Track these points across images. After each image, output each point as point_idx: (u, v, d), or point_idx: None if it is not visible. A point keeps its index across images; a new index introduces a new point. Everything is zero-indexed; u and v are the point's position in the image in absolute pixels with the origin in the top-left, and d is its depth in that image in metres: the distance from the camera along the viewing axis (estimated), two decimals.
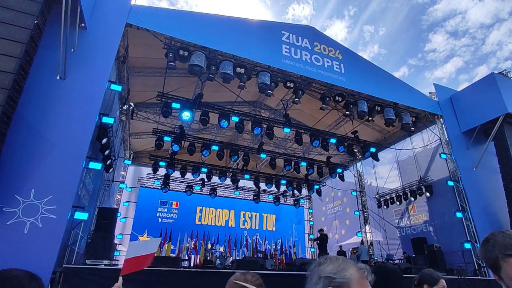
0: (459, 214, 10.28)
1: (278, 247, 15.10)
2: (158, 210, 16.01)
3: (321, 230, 13.23)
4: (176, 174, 14.66)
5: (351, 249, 14.05)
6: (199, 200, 16.74)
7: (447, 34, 55.83)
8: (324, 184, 17.42)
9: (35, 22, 5.38)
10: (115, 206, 13.48)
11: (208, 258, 11.18)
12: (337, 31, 59.97)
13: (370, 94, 10.57)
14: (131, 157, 15.22)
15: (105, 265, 6.76)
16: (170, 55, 8.33)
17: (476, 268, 9.53)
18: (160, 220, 15.76)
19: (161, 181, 15.05)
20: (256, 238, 16.81)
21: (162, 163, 13.83)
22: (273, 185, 15.88)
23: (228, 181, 15.73)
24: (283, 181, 16.35)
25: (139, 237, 14.85)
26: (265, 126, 11.15)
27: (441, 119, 11.72)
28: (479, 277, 9.08)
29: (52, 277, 5.32)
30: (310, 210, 20.01)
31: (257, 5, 58.56)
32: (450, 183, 10.77)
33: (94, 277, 5.82)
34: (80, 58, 6.55)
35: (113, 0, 7.56)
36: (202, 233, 14.43)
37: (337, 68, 10.29)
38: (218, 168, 14.95)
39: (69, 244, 6.74)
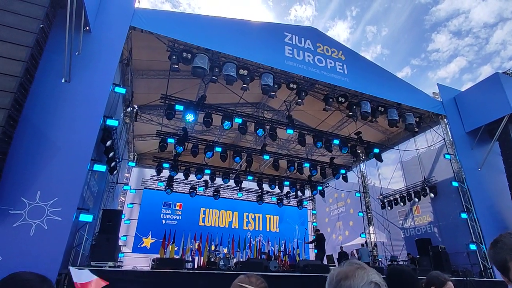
0: (464, 215, 10.20)
1: (282, 249, 15.08)
2: (162, 211, 16.06)
3: (317, 230, 13.17)
4: (180, 175, 14.72)
5: (354, 250, 13.99)
6: (202, 202, 16.77)
7: (450, 34, 55.52)
8: (327, 185, 17.37)
9: (41, 26, 5.45)
10: (119, 208, 13.56)
11: (212, 259, 11.19)
12: (340, 31, 59.88)
13: (373, 94, 10.55)
14: (135, 159, 15.31)
15: (109, 266, 6.79)
16: (174, 57, 8.38)
17: (482, 269, 9.44)
18: (164, 221, 15.81)
19: (164, 182, 15.11)
20: (260, 240, 16.81)
21: (165, 165, 13.89)
22: (276, 186, 15.86)
23: (231, 182, 15.75)
24: (286, 182, 16.34)
25: (143, 239, 14.92)
26: (268, 127, 11.16)
27: (445, 119, 11.65)
28: (485, 279, 8.99)
29: (58, 278, 5.36)
30: (314, 211, 19.96)
31: (259, 6, 58.70)
32: (455, 183, 10.69)
33: None
34: (85, 61, 6.62)
35: (117, 3, 7.63)
36: (205, 234, 14.46)
37: (340, 69, 10.28)
38: (221, 170, 14.97)
39: (74, 246, 6.78)
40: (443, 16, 55.19)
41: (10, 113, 4.87)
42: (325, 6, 60.77)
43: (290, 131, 11.52)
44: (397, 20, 58.70)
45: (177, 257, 12.60)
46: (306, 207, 19.44)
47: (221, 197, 16.57)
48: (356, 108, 10.59)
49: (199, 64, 8.27)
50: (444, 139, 11.64)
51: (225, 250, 13.86)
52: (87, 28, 6.79)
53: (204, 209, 17.02)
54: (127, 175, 14.68)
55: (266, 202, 17.47)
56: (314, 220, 19.74)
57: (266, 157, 13.75)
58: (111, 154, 8.40)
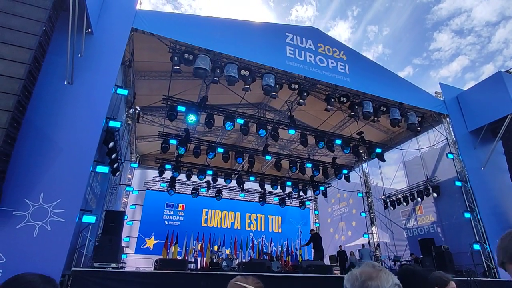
0: (467, 215, 10.14)
1: (284, 249, 15.05)
2: (165, 212, 16.09)
3: (311, 230, 13.13)
4: (182, 176, 14.74)
5: (354, 250, 13.94)
6: (205, 203, 16.78)
7: (452, 32, 55.27)
8: (329, 185, 17.34)
9: (43, 28, 5.48)
10: (122, 209, 13.59)
11: (215, 260, 11.20)
12: (341, 31, 59.78)
13: (375, 94, 10.52)
14: (138, 160, 15.35)
15: (112, 268, 6.80)
16: (175, 58, 8.40)
17: (486, 269, 9.38)
18: (166, 222, 15.83)
19: (167, 183, 15.14)
20: (262, 240, 16.78)
21: (168, 166, 13.91)
22: (279, 187, 15.85)
23: (233, 183, 15.77)
24: (289, 183, 16.33)
25: (146, 240, 14.95)
26: (270, 128, 11.15)
27: (448, 119, 11.60)
28: (489, 279, 8.94)
29: (61, 280, 5.38)
30: (316, 212, 19.92)
31: (260, 7, 58.73)
32: (458, 183, 10.63)
33: (102, 280, 5.87)
34: (87, 63, 6.65)
35: (118, 5, 7.67)
36: (208, 235, 14.46)
37: (341, 69, 10.27)
38: (223, 170, 14.98)
39: (77, 247, 6.81)
40: (445, 15, 54.99)
41: (13, 115, 4.90)
42: (326, 6, 60.73)
43: (292, 132, 11.51)
44: (398, 20, 58.55)
45: (180, 258, 12.61)
46: (309, 208, 19.40)
47: (223, 198, 16.58)
48: (358, 108, 10.56)
49: (201, 65, 8.29)
50: (446, 138, 11.59)
51: (228, 251, 13.86)
52: (89, 30, 6.83)
53: (207, 210, 17.04)
54: (129, 176, 14.73)
55: (268, 203, 17.46)
56: (317, 221, 19.70)
57: (268, 157, 13.75)
58: (113, 156, 8.42)
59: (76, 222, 5.70)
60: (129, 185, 14.35)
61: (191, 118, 9.89)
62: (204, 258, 12.89)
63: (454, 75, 55.23)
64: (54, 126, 5.97)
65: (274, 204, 17.90)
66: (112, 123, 7.42)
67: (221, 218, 17.26)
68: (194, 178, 14.85)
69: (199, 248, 13.63)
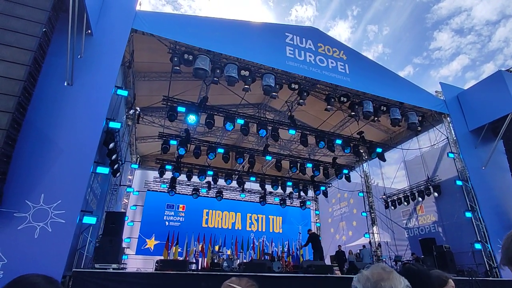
0: (468, 214, 10.12)
1: (285, 249, 15.04)
2: (165, 213, 16.09)
3: (309, 230, 13.14)
4: (183, 177, 14.74)
5: (354, 249, 13.94)
6: (205, 203, 16.78)
7: (452, 31, 55.21)
8: (330, 185, 17.33)
9: (43, 30, 5.49)
10: (122, 210, 13.60)
11: (215, 261, 11.19)
12: (341, 31, 59.76)
13: (375, 94, 10.51)
14: (138, 161, 15.36)
15: (113, 269, 6.80)
16: (175, 59, 8.40)
17: (488, 269, 9.36)
18: (167, 223, 15.83)
19: (167, 184, 15.14)
20: (263, 241, 16.77)
21: (168, 167, 13.91)
22: (279, 187, 15.84)
23: (234, 183, 15.76)
24: (289, 183, 16.32)
25: (147, 240, 14.95)
26: (270, 128, 11.15)
27: (448, 118, 11.59)
28: (491, 278, 8.92)
29: (62, 281, 5.38)
30: (317, 212, 19.91)
31: (259, 7, 58.75)
32: (459, 182, 10.62)
33: (103, 281, 5.87)
34: (87, 64, 6.66)
35: (118, 6, 7.68)
36: (209, 236, 14.47)
37: (341, 68, 10.26)
38: (224, 171, 14.98)
39: (78, 248, 6.81)
40: (445, 14, 54.95)
41: (14, 116, 4.91)
42: (326, 6, 60.73)
43: (292, 132, 11.51)
44: (398, 19, 58.53)
45: (181, 258, 12.62)
46: (309, 208, 19.38)
47: (224, 198, 16.58)
48: (358, 107, 10.56)
49: (201, 66, 8.29)
50: (447, 137, 11.58)
51: (229, 252, 13.84)
52: (89, 31, 6.83)
53: (207, 210, 17.04)
54: (130, 177, 14.73)
55: (269, 203, 17.45)
56: (317, 221, 19.69)
57: (268, 157, 13.74)
58: (114, 157, 8.43)
59: (76, 223, 5.71)
60: (130, 186, 14.35)
61: (191, 118, 9.88)
62: (205, 259, 12.89)
63: (454, 74, 55.20)
64: (54, 127, 5.97)
65: (274, 204, 17.89)
66: (112, 124, 7.42)
67: (221, 219, 17.25)
68: (195, 178, 14.85)
69: (200, 248, 13.63)
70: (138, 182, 15.62)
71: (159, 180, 15.41)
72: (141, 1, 8.31)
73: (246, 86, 9.41)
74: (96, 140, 6.37)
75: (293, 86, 9.76)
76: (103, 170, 7.29)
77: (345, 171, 14.62)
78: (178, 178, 14.89)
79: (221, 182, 15.54)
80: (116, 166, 9.07)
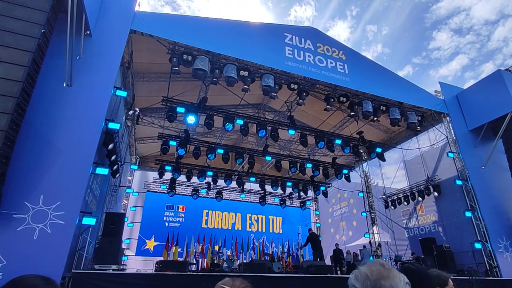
0: (468, 214, 10.13)
1: (285, 250, 15.02)
2: (165, 214, 16.07)
3: (309, 230, 13.13)
4: (182, 178, 14.73)
5: (357, 250, 13.92)
6: (205, 204, 16.77)
7: (451, 31, 55.31)
8: (330, 185, 17.32)
9: (42, 31, 5.48)
10: (122, 211, 13.58)
11: (215, 261, 11.17)
12: (340, 31, 59.86)
13: (374, 94, 10.51)
14: (137, 162, 15.34)
15: (113, 270, 6.79)
16: (174, 59, 8.39)
17: (488, 268, 9.35)
18: (167, 224, 15.82)
19: (167, 185, 15.13)
20: (263, 241, 16.77)
21: (168, 168, 13.90)
22: (279, 187, 15.84)
23: (233, 184, 15.75)
24: (289, 183, 16.31)
25: (147, 241, 14.93)
26: (269, 128, 11.14)
27: (448, 118, 11.60)
28: (491, 278, 8.91)
29: (61, 282, 5.37)
30: (317, 212, 19.90)
31: (258, 7, 58.80)
32: (459, 182, 10.62)
33: (103, 282, 5.85)
34: (86, 65, 6.65)
35: (117, 7, 7.67)
36: (208, 236, 14.46)
37: (340, 68, 10.26)
38: (223, 171, 14.97)
39: (77, 250, 6.79)
40: (444, 14, 55.08)
41: (12, 117, 4.89)
42: (325, 6, 60.81)
43: (291, 132, 11.51)
44: (397, 19, 58.62)
45: (181, 259, 12.60)
46: (309, 208, 19.38)
47: (224, 199, 16.57)
48: (357, 107, 10.55)
49: (200, 66, 8.28)
50: (447, 137, 11.58)
51: (229, 252, 13.83)
52: (88, 32, 6.82)
53: (207, 211, 17.02)
54: (129, 178, 14.71)
55: (268, 203, 17.44)
56: (317, 221, 19.68)
57: (268, 158, 13.73)
58: (113, 157, 8.41)
59: (76, 224, 5.69)
60: (129, 187, 14.33)
61: (191, 119, 9.87)
62: (205, 260, 12.89)
63: (453, 74, 55.30)
64: (53, 128, 5.96)
65: (274, 204, 17.88)
66: (112, 125, 7.41)
67: (221, 219, 17.24)
68: (194, 179, 14.84)
69: (199, 249, 13.62)
70: (137, 183, 15.60)
71: (159, 181, 15.39)
72: (140, 1, 8.31)
73: (246, 87, 9.40)
74: (95, 141, 6.35)
75: (292, 86, 9.76)
76: (103, 171, 7.28)
77: (345, 171, 14.62)
78: (177, 179, 14.88)
79: (220, 182, 15.53)
80: (115, 167, 9.05)
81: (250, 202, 17.76)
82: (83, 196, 5.95)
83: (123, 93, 7.88)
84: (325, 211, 19.28)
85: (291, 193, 17.40)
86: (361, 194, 15.34)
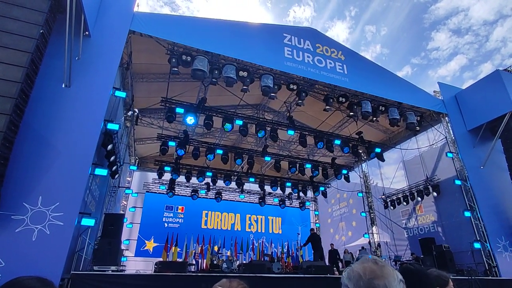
0: (467, 214, 10.14)
1: (285, 250, 15.02)
2: (164, 215, 16.05)
3: (311, 230, 13.10)
4: (181, 178, 14.70)
5: (356, 251, 13.92)
6: (204, 204, 16.75)
7: (450, 32, 55.43)
8: (329, 185, 17.32)
9: (41, 31, 5.47)
10: (121, 212, 13.55)
11: (215, 262, 11.16)
12: (339, 32, 59.92)
13: (373, 94, 10.52)
14: (137, 162, 15.32)
15: (112, 271, 6.77)
16: (173, 60, 8.39)
17: (487, 268, 9.37)
18: (166, 225, 15.79)
19: (166, 186, 15.11)
20: (263, 242, 16.75)
21: (167, 168, 13.88)
22: (278, 188, 15.82)
23: (233, 184, 15.73)
24: (288, 184, 16.30)
25: (146, 242, 14.90)
26: (269, 128, 11.14)
27: (447, 118, 11.62)
28: (490, 277, 8.92)
29: (60, 283, 5.35)
30: (316, 212, 19.90)
31: (258, 8, 58.83)
32: (458, 182, 10.63)
33: (102, 283, 5.84)
34: (85, 66, 6.64)
35: (116, 8, 7.66)
36: (208, 237, 14.43)
37: (339, 69, 10.27)
38: (223, 172, 14.96)
39: (76, 251, 6.77)
40: (442, 14, 55.18)
41: (11, 118, 4.88)
42: (324, 6, 60.87)
43: (291, 132, 11.51)
44: (396, 19, 58.72)
45: (180, 260, 12.57)
46: (309, 208, 19.38)
47: (223, 200, 16.55)
48: (356, 108, 10.56)
49: (199, 67, 8.28)
50: (446, 137, 11.60)
51: (228, 253, 13.81)
52: (87, 32, 6.82)
53: (206, 211, 17.00)
54: (128, 179, 14.69)
55: (268, 204, 17.43)
56: (317, 221, 19.68)
57: (267, 158, 13.72)
58: (112, 158, 8.39)
59: (75, 225, 5.68)
60: (128, 188, 14.31)
61: (190, 119, 9.86)
62: (205, 260, 12.87)
63: (452, 74, 55.40)
64: (52, 129, 5.95)
65: (274, 205, 17.87)
66: (111, 126, 7.39)
67: (221, 220, 17.22)
68: (194, 180, 14.81)
69: (199, 250, 13.60)
70: (137, 183, 15.58)
71: (158, 181, 15.37)
72: (139, 2, 8.31)
73: (245, 87, 9.40)
74: (94, 141, 6.34)
75: (291, 86, 9.76)
76: (102, 171, 7.26)
77: (344, 172, 14.62)
78: (177, 180, 14.86)
79: (220, 183, 15.51)
80: (114, 168, 9.03)
81: (249, 202, 17.74)
82: (82, 197, 5.94)
83: (122, 94, 7.87)
84: (325, 212, 19.28)
85: (290, 193, 17.39)
86: (360, 195, 15.34)
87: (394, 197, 13.85)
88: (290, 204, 18.02)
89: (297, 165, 13.93)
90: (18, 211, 5.24)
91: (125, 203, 14.50)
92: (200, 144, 12.71)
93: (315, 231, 18.71)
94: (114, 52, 7.26)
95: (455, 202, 11.01)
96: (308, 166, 14.09)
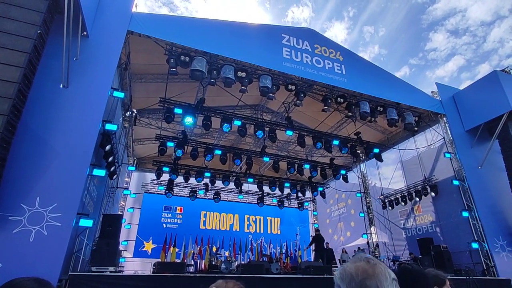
0: (465, 214, 10.17)
1: (283, 251, 15.01)
2: (163, 215, 16.02)
3: (317, 230, 13.11)
4: (180, 179, 14.68)
5: (352, 251, 13.94)
6: (203, 205, 16.73)
7: (448, 32, 55.66)
8: (328, 186, 17.33)
9: (38, 32, 5.45)
10: (119, 213, 13.51)
11: (213, 262, 11.15)
12: (337, 32, 60.04)
13: (372, 94, 10.55)
14: (135, 163, 15.28)
15: (110, 272, 6.75)
16: (172, 60, 8.38)
17: (485, 268, 9.40)
18: (164, 225, 15.76)
19: (165, 186, 15.07)
20: (261, 242, 16.74)
21: (165, 169, 13.86)
22: (277, 188, 15.82)
23: (231, 185, 15.72)
24: (287, 184, 16.30)
25: (144, 243, 14.86)
26: (267, 129, 11.15)
27: (444, 118, 11.66)
28: (488, 277, 8.95)
29: (58, 285, 5.33)
30: (315, 213, 19.91)
31: (256, 8, 58.87)
32: (455, 182, 10.67)
33: (100, 284, 5.82)
34: (83, 66, 6.62)
35: (114, 8, 7.65)
36: (206, 237, 14.41)
37: (338, 69, 10.29)
38: (221, 172, 14.94)
39: (74, 252, 6.75)
40: (440, 15, 55.43)
41: (8, 119, 4.86)
42: (322, 7, 61.00)
43: (289, 133, 11.52)
44: (394, 20, 58.91)
45: (178, 261, 12.54)
46: (307, 209, 19.39)
47: (222, 200, 16.52)
48: (355, 108, 10.59)
49: (197, 67, 8.27)
50: (443, 138, 11.64)
51: (227, 253, 13.81)
52: (85, 33, 6.80)
53: (205, 212, 16.98)
54: (127, 179, 14.65)
55: (266, 204, 17.41)
56: (315, 222, 19.68)
57: (266, 159, 13.73)
58: (110, 159, 8.37)
59: (73, 226, 5.66)
60: (127, 188, 14.27)
61: (188, 120, 9.86)
62: (203, 261, 12.84)
63: (450, 74, 55.61)
64: (50, 129, 5.93)
65: (272, 205, 17.87)
66: (109, 126, 7.37)
67: (219, 220, 17.20)
68: (192, 180, 14.80)
69: (197, 250, 13.58)
70: (135, 184, 15.54)
71: (156, 182, 15.34)
72: (137, 3, 8.30)
73: (243, 88, 9.40)
74: (92, 142, 6.33)
75: (290, 87, 9.77)
76: (100, 172, 7.24)
77: (343, 172, 14.64)
78: (175, 180, 14.83)
79: (218, 183, 15.49)
80: (112, 169, 9.01)
81: (248, 203, 17.73)
82: (80, 197, 5.93)
83: (120, 94, 7.85)
84: (323, 212, 19.30)
85: (289, 194, 17.38)
86: (358, 195, 15.37)
87: (392, 198, 13.88)
88: (289, 204, 18.03)
89: (296, 165, 13.94)
90: (16, 212, 5.22)
91: (124, 203, 14.46)
92: (199, 144, 12.69)
93: (312, 232, 18.82)
94: (112, 52, 7.25)
95: (453, 202, 11.05)
96: (307, 166, 14.10)
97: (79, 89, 6.47)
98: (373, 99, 10.69)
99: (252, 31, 9.71)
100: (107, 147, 7.83)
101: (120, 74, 8.92)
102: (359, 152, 13.40)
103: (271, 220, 18.45)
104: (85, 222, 6.49)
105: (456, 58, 55.55)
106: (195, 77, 8.53)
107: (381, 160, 12.84)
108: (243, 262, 12.63)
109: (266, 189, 16.44)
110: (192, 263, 12.68)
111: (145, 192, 15.84)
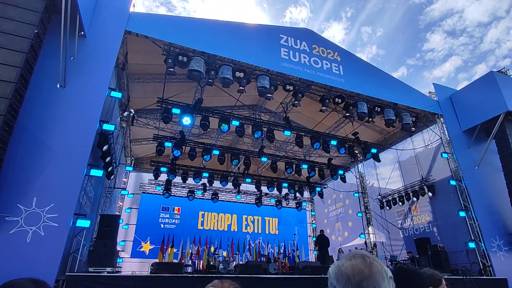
0: (462, 214, 10.23)
1: (281, 251, 15.03)
2: (160, 216, 15.97)
3: (322, 231, 13.16)
4: (178, 179, 14.65)
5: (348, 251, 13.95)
6: (201, 205, 16.70)
7: (445, 33, 55.95)
8: (325, 186, 17.37)
9: (35, 31, 5.43)
10: (117, 213, 13.47)
11: (211, 263, 11.13)
12: (335, 33, 60.16)
13: (369, 95, 10.58)
14: (132, 163, 15.24)
15: (107, 272, 6.73)
16: (169, 61, 8.37)
17: (481, 267, 9.45)
18: (162, 226, 15.72)
19: (162, 186, 15.04)
20: (259, 242, 16.74)
21: (163, 169, 13.83)
22: (275, 188, 15.83)
23: (229, 185, 15.70)
24: (285, 184, 16.31)
25: (142, 243, 14.82)
26: (265, 129, 11.15)
27: (442, 119, 11.71)
28: (485, 277, 9.00)
29: (55, 285, 5.31)
30: (313, 213, 19.94)
31: (254, 9, 58.88)
32: (453, 182, 10.72)
33: (97, 284, 5.80)
34: (80, 66, 6.60)
35: (112, 8, 7.63)
36: (204, 238, 14.39)
37: (336, 70, 10.32)
38: (219, 173, 14.93)
39: (71, 252, 6.72)
40: (437, 16, 55.71)
41: (5, 119, 4.84)
42: (320, 7, 61.12)
43: (287, 133, 11.53)
44: (391, 21, 59.13)
45: (176, 261, 12.52)
46: (305, 209, 19.41)
47: (220, 200, 16.51)
48: (352, 108, 10.61)
49: (195, 67, 8.26)
50: (441, 138, 11.69)
51: (225, 253, 13.79)
52: (82, 33, 6.78)
53: (203, 212, 16.95)
54: (124, 179, 14.60)
55: (264, 204, 17.42)
56: (313, 222, 19.71)
57: (264, 159, 13.73)
58: (108, 159, 8.35)
59: (70, 226, 5.63)
60: (124, 189, 14.22)
61: (186, 120, 9.83)
62: (201, 261, 12.83)
63: (447, 75, 55.87)
64: (46, 129, 5.90)
65: (270, 205, 17.87)
66: (106, 126, 7.36)
67: (217, 221, 17.18)
68: (190, 180, 14.78)
69: (195, 251, 13.56)
70: (132, 184, 15.49)
71: (154, 182, 15.29)
72: (135, 2, 8.28)
73: (241, 88, 9.40)
74: (90, 142, 6.30)
75: (288, 87, 9.79)
76: (97, 172, 7.22)
77: (341, 172, 14.67)
78: (173, 180, 14.79)
79: (216, 184, 15.48)
80: (110, 169, 8.98)
81: (246, 203, 17.71)
82: (77, 198, 5.90)
83: (118, 94, 7.84)
84: (321, 212, 19.33)
85: (287, 194, 17.40)
86: (356, 195, 15.41)
87: (390, 198, 13.93)
88: (287, 204, 18.04)
89: (294, 165, 13.95)
90: (12, 212, 5.19)
91: (121, 204, 14.41)
92: (197, 144, 12.68)
93: (311, 232, 18.85)
94: (110, 52, 7.23)
95: (450, 202, 11.10)
96: (305, 166, 14.12)
97: (77, 89, 6.44)
98: (370, 100, 10.73)
99: (250, 31, 9.72)
100: (105, 147, 7.81)
101: (118, 74, 8.89)
102: (357, 152, 13.43)
103: (269, 220, 18.45)
104: (82, 223, 6.47)
105: (453, 58, 55.86)
106: (193, 77, 8.52)
107: (378, 160, 12.88)
108: (241, 262, 12.62)
109: (264, 189, 16.45)
110: (190, 263, 12.66)
111: (142, 192, 15.78)
